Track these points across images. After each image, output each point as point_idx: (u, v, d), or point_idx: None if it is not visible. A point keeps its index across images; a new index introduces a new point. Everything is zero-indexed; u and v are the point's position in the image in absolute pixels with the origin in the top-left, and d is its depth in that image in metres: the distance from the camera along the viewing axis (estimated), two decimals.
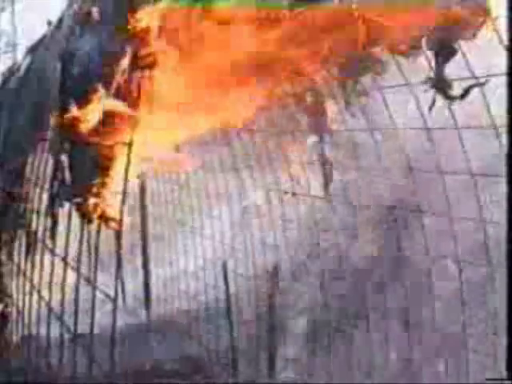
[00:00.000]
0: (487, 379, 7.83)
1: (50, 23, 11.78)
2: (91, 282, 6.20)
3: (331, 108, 9.91)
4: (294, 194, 11.51)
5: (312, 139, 10.36)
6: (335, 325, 11.22)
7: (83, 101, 6.20)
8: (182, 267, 15.91)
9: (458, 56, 7.43)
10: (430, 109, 7.69)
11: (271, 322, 12.02)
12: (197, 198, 15.07)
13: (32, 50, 12.11)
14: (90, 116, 6.13)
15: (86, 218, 6.56)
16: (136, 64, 5.82)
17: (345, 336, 11.22)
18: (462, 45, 7.28)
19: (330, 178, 10.34)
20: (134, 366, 12.19)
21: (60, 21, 9.61)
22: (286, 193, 11.88)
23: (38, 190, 8.77)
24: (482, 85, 7.51)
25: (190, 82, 6.43)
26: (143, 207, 16.20)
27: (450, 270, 9.35)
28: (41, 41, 11.50)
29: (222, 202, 14.34)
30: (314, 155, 10.70)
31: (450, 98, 7.44)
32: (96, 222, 6.35)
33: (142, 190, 16.27)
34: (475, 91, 7.68)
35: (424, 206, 9.59)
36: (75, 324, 6.62)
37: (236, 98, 7.22)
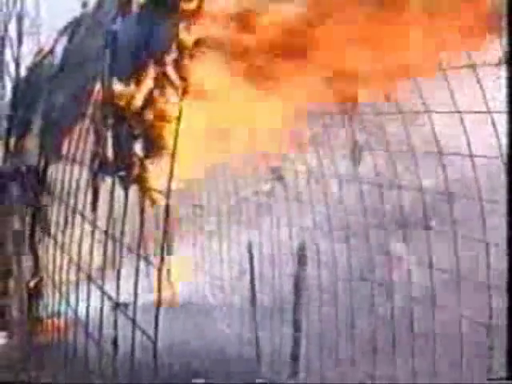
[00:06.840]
0: (488, 379, 8.02)
1: (85, 4, 11.98)
2: (135, 252, 6.43)
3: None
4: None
5: None
6: None
7: (131, 80, 6.42)
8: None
9: None
10: None
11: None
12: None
13: (66, 31, 12.27)
14: (136, 94, 6.34)
15: (128, 189, 6.79)
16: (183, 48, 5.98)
17: None
18: None
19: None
20: None
21: (99, 3, 9.83)
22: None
23: (77, 167, 9.00)
24: None
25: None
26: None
27: None
28: (76, 23, 11.68)
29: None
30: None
31: None
32: (140, 193, 6.56)
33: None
34: None
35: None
36: (117, 293, 6.85)
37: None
